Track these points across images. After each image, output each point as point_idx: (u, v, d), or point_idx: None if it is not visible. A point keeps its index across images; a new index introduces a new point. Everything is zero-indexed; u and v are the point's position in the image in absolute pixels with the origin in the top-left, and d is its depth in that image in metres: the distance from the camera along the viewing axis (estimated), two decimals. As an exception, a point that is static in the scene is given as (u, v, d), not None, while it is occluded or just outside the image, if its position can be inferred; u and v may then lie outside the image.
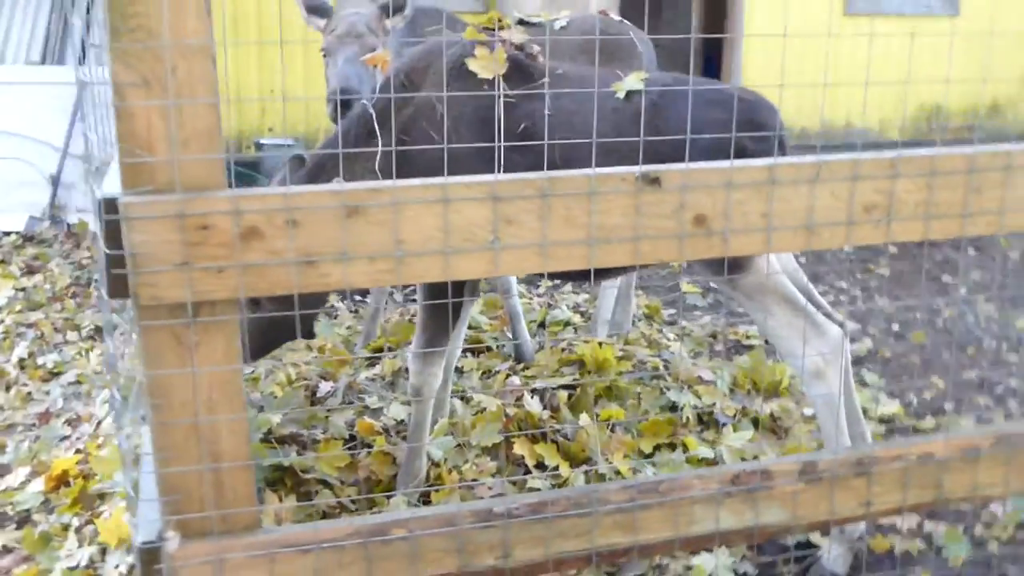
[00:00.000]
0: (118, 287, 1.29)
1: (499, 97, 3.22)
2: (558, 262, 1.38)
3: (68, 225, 7.19)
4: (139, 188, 1.28)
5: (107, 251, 1.26)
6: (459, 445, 3.72)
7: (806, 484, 1.50)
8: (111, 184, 1.35)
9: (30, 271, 6.25)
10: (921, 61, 9.48)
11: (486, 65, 3.13)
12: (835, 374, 3.17)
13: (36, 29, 7.62)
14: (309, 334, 3.69)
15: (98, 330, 5.10)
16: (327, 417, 3.99)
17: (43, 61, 7.59)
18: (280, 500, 3.35)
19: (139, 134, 1.27)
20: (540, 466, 3.56)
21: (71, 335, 5.09)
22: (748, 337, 5.03)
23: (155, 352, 1.32)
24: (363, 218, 1.32)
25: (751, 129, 3.09)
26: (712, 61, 9.55)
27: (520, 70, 3.32)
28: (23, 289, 5.88)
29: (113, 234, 1.28)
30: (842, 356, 3.22)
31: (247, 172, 7.05)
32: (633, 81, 3.29)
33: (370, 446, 3.71)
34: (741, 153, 3.07)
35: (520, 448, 3.62)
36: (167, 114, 1.27)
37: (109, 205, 1.28)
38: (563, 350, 4.62)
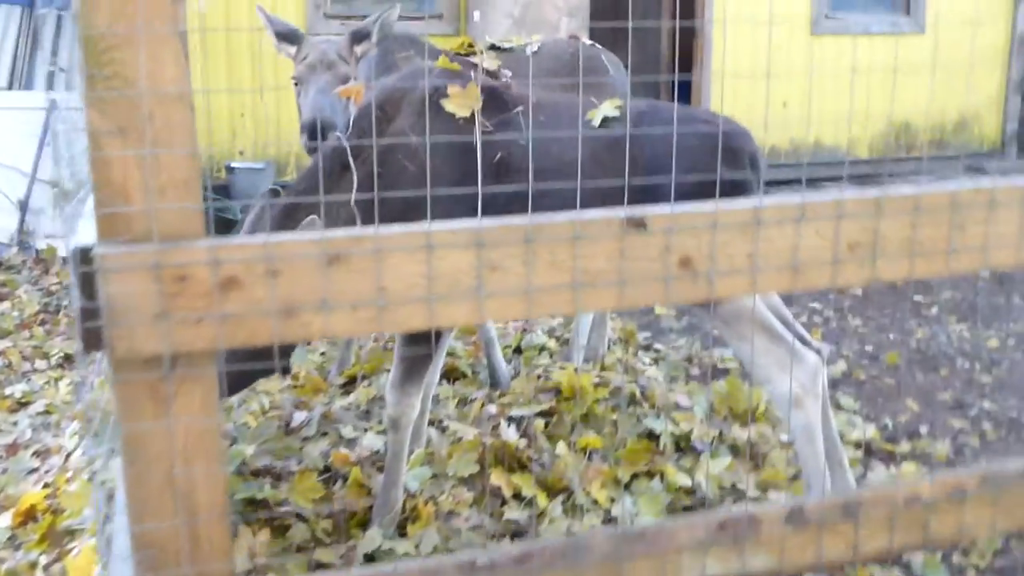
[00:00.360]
0: (92, 340, 1.25)
1: (477, 130, 3.21)
2: (543, 308, 1.36)
3: (36, 251, 7.10)
4: (115, 238, 1.25)
5: (81, 303, 1.23)
6: (435, 476, 3.67)
7: (794, 529, 1.48)
8: (85, 232, 1.32)
9: (-1, 298, 6.16)
10: (888, 79, 9.57)
11: (461, 103, 3.12)
12: (813, 402, 3.17)
13: (2, 54, 7.53)
14: (286, 370, 3.65)
15: (68, 358, 5.02)
16: (301, 448, 3.94)
17: (10, 87, 7.51)
18: (254, 534, 3.31)
19: (115, 183, 1.24)
20: (517, 496, 3.53)
21: (40, 363, 5.00)
22: (724, 360, 5.03)
23: (131, 405, 1.29)
24: (345, 266, 1.29)
25: (726, 155, 3.10)
26: (682, 85, 9.58)
27: (494, 99, 3.32)
28: (-10, 317, 5.78)
29: (87, 285, 1.24)
30: (820, 383, 3.23)
31: (216, 197, 6.99)
32: (608, 108, 3.30)
33: (345, 477, 3.68)
34: (720, 181, 3.09)
35: (497, 478, 3.58)
36: (144, 163, 1.24)
37: (83, 256, 1.24)
38: (539, 377, 4.60)
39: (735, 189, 3.05)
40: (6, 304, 6.03)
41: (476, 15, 7.93)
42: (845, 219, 1.47)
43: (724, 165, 3.03)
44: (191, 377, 1.30)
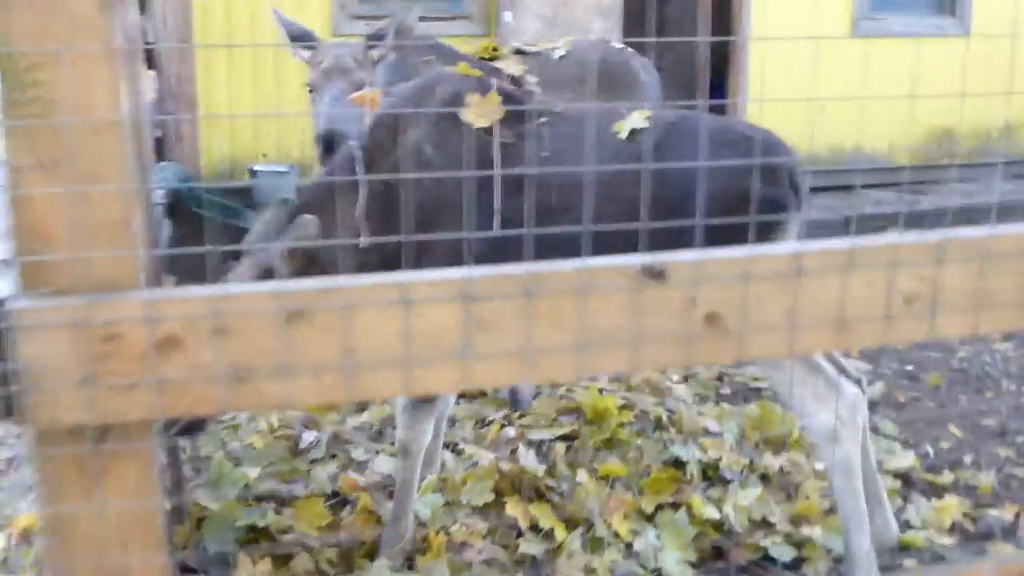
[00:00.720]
0: (8, 408, 1.06)
1: (496, 142, 3.03)
2: (543, 372, 1.16)
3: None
4: (35, 290, 1.06)
5: (-6, 366, 1.04)
6: (448, 503, 3.49)
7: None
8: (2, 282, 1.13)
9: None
10: (931, 83, 9.26)
11: (481, 113, 2.93)
12: (852, 437, 2.97)
13: None
14: None
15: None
16: (309, 471, 3.77)
17: None
18: (254, 564, 3.14)
19: (36, 226, 1.05)
20: (534, 528, 3.33)
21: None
22: (756, 380, 4.80)
23: (55, 484, 1.10)
24: (307, 324, 1.09)
25: (763, 171, 2.90)
26: (718, 86, 9.33)
27: (515, 110, 3.13)
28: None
29: (1, 345, 1.05)
30: (860, 418, 3.01)
31: (234, 206, 6.82)
32: (636, 119, 3.09)
33: (354, 503, 3.50)
34: (753, 199, 2.87)
35: (513, 508, 3.39)
36: (70, 202, 1.05)
37: (-3, 310, 1.06)
38: (561, 396, 4.39)
39: (772, 208, 2.84)
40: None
41: (507, 16, 7.73)
42: (900, 267, 1.25)
43: (761, 182, 2.82)
44: (125, 452, 1.10)
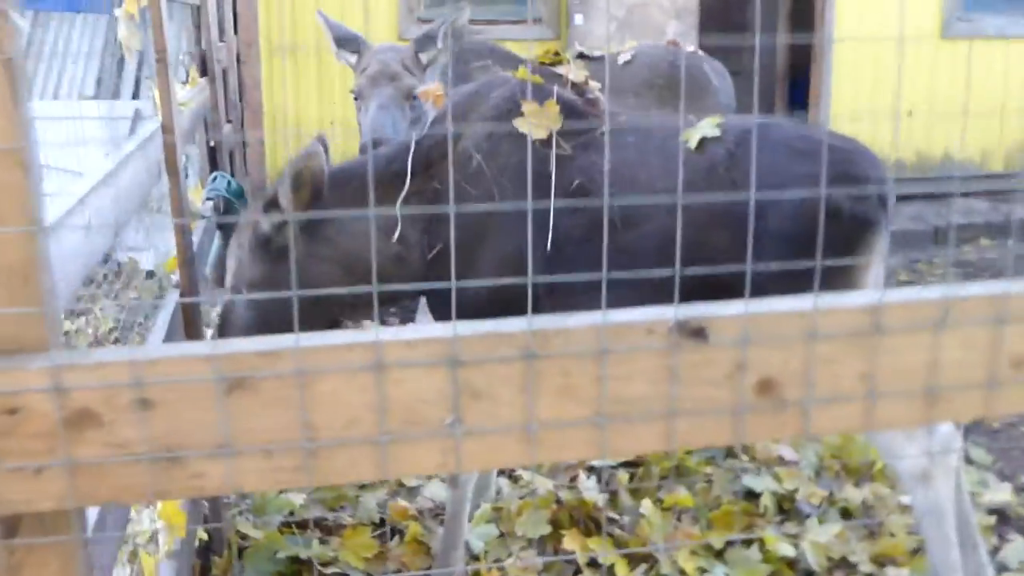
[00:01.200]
0: None
1: (553, 151, 2.82)
2: (549, 450, 0.93)
3: (119, 264, 6.93)
4: (-77, 351, 0.86)
5: None
6: (502, 535, 3.31)
7: None
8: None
9: (75, 313, 5.98)
10: (1024, 86, 8.79)
11: (538, 123, 2.72)
12: (944, 478, 2.72)
13: (89, 63, 7.44)
14: None
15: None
16: (357, 497, 3.60)
17: (96, 96, 7.40)
18: (294, 598, 3.01)
19: (-78, 273, 0.86)
20: (593, 564, 3.16)
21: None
22: (836, 404, 4.50)
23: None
24: (253, 394, 0.88)
25: (848, 185, 2.64)
26: (798, 87, 8.98)
27: (575, 117, 2.92)
28: (65, 333, 5.61)
29: None
30: (953, 457, 2.73)
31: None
32: (706, 127, 2.85)
33: (403, 532, 3.34)
34: (836, 215, 2.62)
35: (571, 542, 3.21)
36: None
37: None
38: (626, 420, 4.16)
39: (857, 227, 2.58)
40: (82, 320, 5.84)
41: (578, 18, 7.52)
42: (1008, 324, 0.99)
43: (847, 198, 2.57)
44: (41, 547, 0.91)
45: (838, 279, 2.58)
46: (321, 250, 2.86)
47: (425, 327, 0.90)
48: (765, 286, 2.50)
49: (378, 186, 2.87)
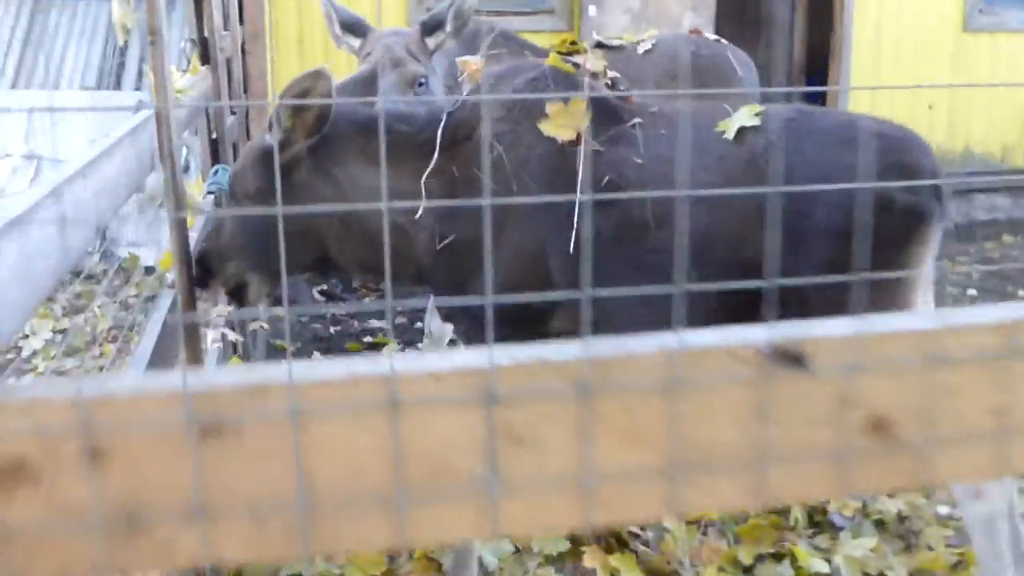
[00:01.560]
0: None
1: (583, 146, 2.63)
2: (610, 511, 0.73)
3: (119, 260, 6.75)
4: None
5: None
6: (518, 551, 3.22)
7: None
8: None
9: (73, 310, 5.81)
10: (1051, 80, 8.62)
11: (565, 124, 2.55)
12: (999, 490, 2.57)
13: (92, 53, 7.25)
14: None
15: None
16: (367, 510, 3.43)
17: (99, 86, 7.21)
18: (297, 618, 2.89)
19: None
20: (614, 581, 3.15)
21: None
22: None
23: None
24: (234, 440, 0.68)
25: (900, 175, 2.46)
26: (816, 81, 8.80)
27: (605, 110, 2.74)
28: (63, 331, 5.45)
29: None
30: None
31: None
32: (744, 116, 2.67)
33: (412, 549, 3.19)
34: (888, 208, 2.44)
35: (591, 559, 3.12)
36: None
37: None
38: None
39: (911, 220, 2.40)
40: (80, 318, 5.68)
41: (592, 9, 7.38)
42: None
43: (899, 190, 2.39)
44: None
45: (889, 279, 2.42)
46: (321, 187, 2.66)
47: (451, 354, 0.71)
48: (806, 288, 2.32)
49: (403, 150, 2.68)
